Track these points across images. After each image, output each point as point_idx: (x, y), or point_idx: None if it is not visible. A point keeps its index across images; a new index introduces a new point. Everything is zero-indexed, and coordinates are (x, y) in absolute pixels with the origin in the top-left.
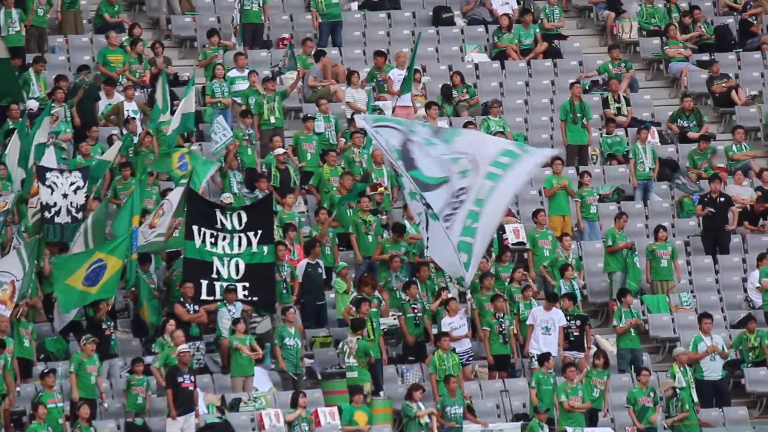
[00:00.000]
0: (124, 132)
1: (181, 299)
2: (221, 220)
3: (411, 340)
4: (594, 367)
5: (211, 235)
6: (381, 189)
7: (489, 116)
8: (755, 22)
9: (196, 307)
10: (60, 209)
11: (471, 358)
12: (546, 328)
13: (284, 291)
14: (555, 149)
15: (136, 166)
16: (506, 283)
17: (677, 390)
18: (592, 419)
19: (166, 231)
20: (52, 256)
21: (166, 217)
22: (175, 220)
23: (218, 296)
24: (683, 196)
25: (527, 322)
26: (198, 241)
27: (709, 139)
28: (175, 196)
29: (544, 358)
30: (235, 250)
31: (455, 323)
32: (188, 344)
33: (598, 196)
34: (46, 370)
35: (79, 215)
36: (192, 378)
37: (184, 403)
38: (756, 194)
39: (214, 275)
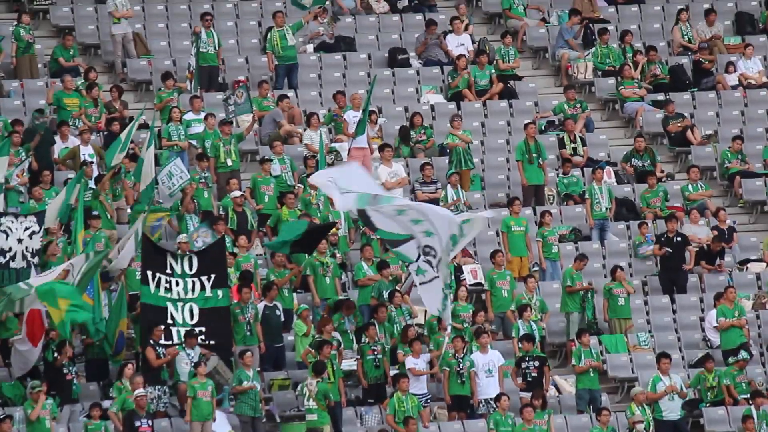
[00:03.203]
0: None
1: (151, 342)
2: (171, 264)
3: (365, 384)
4: (533, 408)
5: (166, 281)
6: (334, 230)
7: (452, 130)
8: (706, 62)
9: (164, 351)
10: (15, 254)
11: (429, 400)
12: (489, 370)
13: (248, 333)
14: (488, 212)
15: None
16: (464, 324)
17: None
18: None
19: None
20: None
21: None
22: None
23: (176, 340)
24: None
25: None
26: (152, 287)
27: (659, 177)
28: (78, 261)
29: (497, 399)
30: (189, 295)
31: (420, 365)
32: (155, 387)
33: (558, 236)
34: (2, 416)
35: (35, 260)
36: (150, 422)
37: None
38: (712, 233)
39: (169, 320)
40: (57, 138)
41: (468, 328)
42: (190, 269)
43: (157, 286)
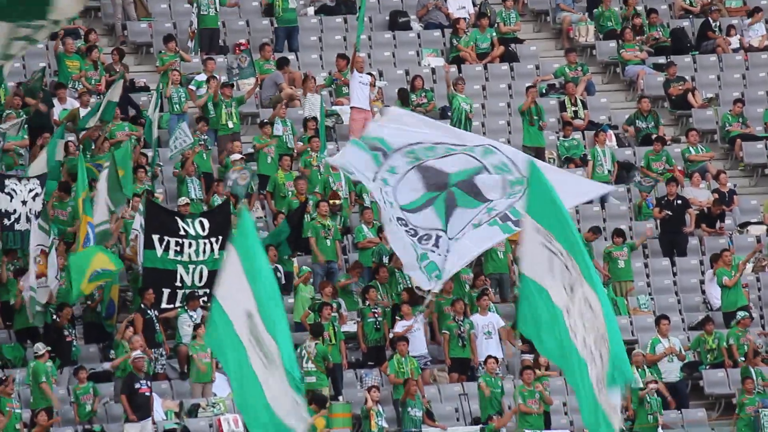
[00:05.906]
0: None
1: (142, 306)
2: (184, 228)
3: (364, 348)
4: (538, 367)
5: (177, 243)
6: (337, 201)
7: (456, 93)
8: (715, 25)
9: (156, 315)
10: (20, 216)
11: (428, 363)
12: (488, 332)
13: None
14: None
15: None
16: (466, 286)
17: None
18: (546, 422)
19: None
20: (9, 263)
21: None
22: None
23: (178, 304)
24: (643, 197)
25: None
26: (159, 250)
27: (666, 141)
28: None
29: (486, 361)
30: (200, 257)
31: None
32: (152, 350)
33: None
34: (4, 377)
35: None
36: (148, 383)
37: (141, 409)
38: (713, 196)
39: (178, 283)
40: (55, 101)
41: (468, 292)
42: (203, 231)
43: (166, 249)
